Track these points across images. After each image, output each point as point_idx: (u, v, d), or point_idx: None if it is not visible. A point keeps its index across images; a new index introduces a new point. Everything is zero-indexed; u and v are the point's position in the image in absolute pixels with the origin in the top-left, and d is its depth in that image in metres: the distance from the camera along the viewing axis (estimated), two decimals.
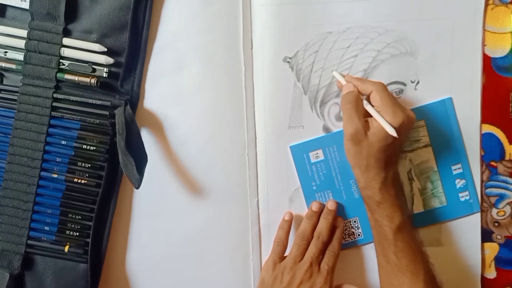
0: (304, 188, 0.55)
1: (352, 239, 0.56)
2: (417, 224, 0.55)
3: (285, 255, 0.54)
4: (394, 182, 0.50)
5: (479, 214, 0.55)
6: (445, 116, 0.54)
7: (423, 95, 0.54)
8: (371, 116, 0.49)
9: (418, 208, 0.56)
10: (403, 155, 0.55)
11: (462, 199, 0.55)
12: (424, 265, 0.50)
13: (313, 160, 0.55)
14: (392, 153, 0.49)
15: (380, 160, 0.48)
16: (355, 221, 0.56)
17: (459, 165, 0.55)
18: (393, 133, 0.46)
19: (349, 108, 0.49)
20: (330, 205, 0.55)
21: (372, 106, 0.49)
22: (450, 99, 0.54)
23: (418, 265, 0.49)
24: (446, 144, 0.54)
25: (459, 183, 0.55)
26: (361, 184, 0.50)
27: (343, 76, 0.52)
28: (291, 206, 0.56)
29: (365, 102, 0.49)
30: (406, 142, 0.54)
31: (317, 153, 0.55)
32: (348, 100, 0.49)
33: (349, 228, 0.56)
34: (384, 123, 0.47)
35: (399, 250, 0.49)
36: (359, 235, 0.56)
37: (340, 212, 0.55)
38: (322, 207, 0.55)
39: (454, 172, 0.55)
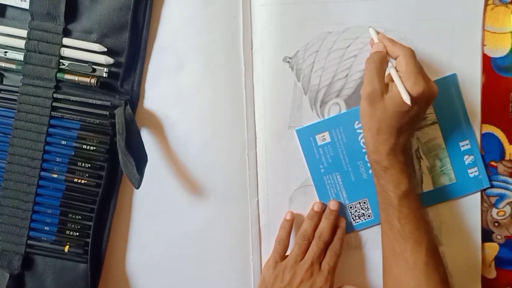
0: (312, 172, 0.55)
1: (362, 220, 0.56)
2: (427, 203, 0.55)
3: (286, 254, 0.55)
4: (404, 150, 0.49)
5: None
6: (450, 92, 0.53)
7: None
8: (393, 81, 0.48)
9: (427, 186, 0.55)
10: None
11: (471, 175, 0.55)
12: (428, 234, 0.49)
13: (319, 142, 0.55)
14: (406, 122, 0.48)
15: (392, 126, 0.47)
16: (364, 202, 0.55)
17: (467, 141, 0.54)
18: (407, 100, 0.45)
19: (372, 68, 0.48)
20: (332, 205, 0.54)
21: (397, 70, 0.48)
22: (455, 75, 0.53)
23: (421, 233, 0.48)
24: (453, 120, 0.54)
25: (468, 159, 0.55)
26: (370, 148, 0.49)
27: (377, 34, 0.52)
28: (291, 206, 0.56)
29: (389, 64, 0.49)
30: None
31: (324, 136, 0.54)
32: (373, 60, 0.49)
33: (359, 209, 0.55)
34: (401, 89, 0.46)
35: (403, 217, 0.48)
36: (369, 216, 0.55)
37: (349, 193, 0.55)
38: (324, 207, 0.55)
39: (462, 149, 0.54)
